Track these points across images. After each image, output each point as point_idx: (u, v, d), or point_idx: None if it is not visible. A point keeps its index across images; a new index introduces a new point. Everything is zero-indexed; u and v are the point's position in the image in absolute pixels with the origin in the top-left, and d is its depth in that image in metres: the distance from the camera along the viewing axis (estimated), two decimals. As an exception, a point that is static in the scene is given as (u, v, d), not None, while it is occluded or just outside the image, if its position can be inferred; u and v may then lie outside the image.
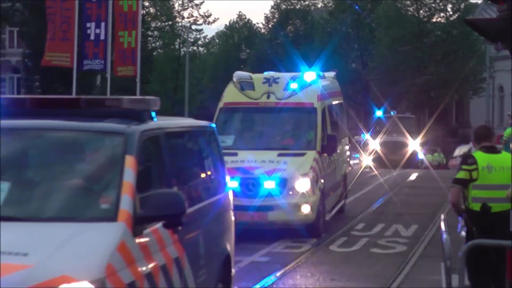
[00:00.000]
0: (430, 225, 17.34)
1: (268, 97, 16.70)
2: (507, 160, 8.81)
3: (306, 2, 78.01)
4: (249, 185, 15.24)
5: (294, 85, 16.74)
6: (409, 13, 60.89)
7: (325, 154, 16.48)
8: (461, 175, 9.06)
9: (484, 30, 8.64)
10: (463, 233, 9.24)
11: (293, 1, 77.54)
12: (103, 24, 24.37)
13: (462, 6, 59.72)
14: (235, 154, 15.52)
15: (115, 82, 28.41)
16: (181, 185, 7.13)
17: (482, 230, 8.72)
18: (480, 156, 9.04)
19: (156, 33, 68.98)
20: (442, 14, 61.13)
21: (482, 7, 56.22)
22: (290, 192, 15.27)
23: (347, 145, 20.65)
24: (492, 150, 9.15)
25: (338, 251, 14.68)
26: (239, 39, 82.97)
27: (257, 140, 16.56)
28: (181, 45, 70.12)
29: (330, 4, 72.51)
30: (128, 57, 23.38)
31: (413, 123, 50.92)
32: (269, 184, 15.19)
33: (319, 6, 77.52)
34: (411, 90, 56.31)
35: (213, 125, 12.02)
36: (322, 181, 16.03)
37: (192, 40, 72.01)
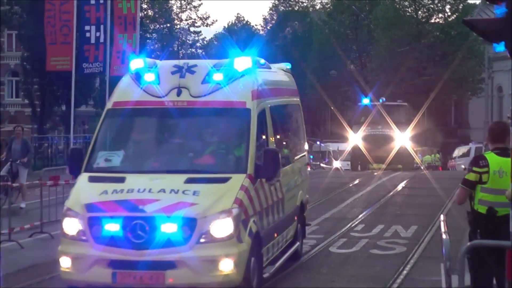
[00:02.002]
0: (430, 225, 17.34)
1: (178, 94, 11.31)
2: None
3: (305, 4, 78.17)
4: (137, 229, 9.93)
5: (218, 76, 11.35)
6: (408, 14, 60.90)
7: (262, 179, 11.05)
8: (471, 177, 8.85)
9: (482, 30, 8.62)
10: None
11: (291, 3, 77.66)
12: (102, 27, 24.40)
13: (461, 6, 59.72)
14: (121, 180, 10.63)
15: (114, 84, 28.46)
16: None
17: (486, 232, 8.68)
18: (493, 159, 8.81)
19: (154, 35, 69.05)
20: (440, 15, 61.15)
21: (481, 7, 56.25)
22: (202, 240, 9.99)
23: (305, 162, 15.32)
24: (505, 153, 8.76)
25: (337, 252, 14.68)
26: (238, 41, 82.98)
27: (156, 159, 11.45)
28: (179, 47, 70.16)
29: (329, 5, 72.57)
30: (126, 58, 23.46)
31: (405, 112, 42.27)
32: (169, 228, 9.93)
33: (318, 7, 77.67)
34: (409, 91, 56.32)
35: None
36: (256, 220, 10.69)
37: (190, 42, 72.08)
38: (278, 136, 12.65)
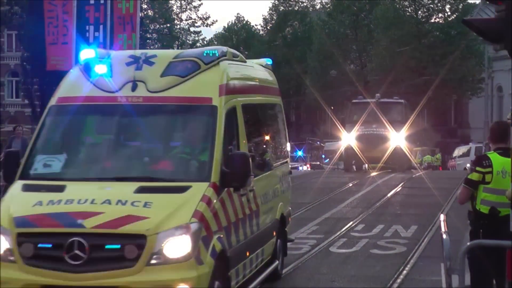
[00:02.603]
0: (430, 225, 17.34)
1: (133, 89, 9.82)
2: None
3: (305, 4, 78.16)
4: (75, 247, 8.32)
5: (180, 68, 9.95)
6: (407, 13, 60.93)
7: (230, 189, 9.51)
8: (474, 176, 8.82)
9: (482, 30, 8.62)
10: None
11: (291, 3, 77.65)
12: (101, 27, 24.41)
13: (460, 6, 59.76)
14: (60, 189, 9.05)
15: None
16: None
17: (488, 232, 8.67)
18: (496, 159, 8.79)
19: (154, 35, 69.04)
20: (440, 15, 61.19)
21: (480, 7, 56.27)
22: (153, 261, 8.39)
23: (288, 169, 13.67)
24: (507, 153, 8.72)
25: (338, 252, 14.68)
26: (238, 41, 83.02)
27: (104, 164, 9.80)
28: (179, 48, 70.08)
29: (329, 5, 72.58)
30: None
31: (401, 110, 38.89)
32: (113, 246, 8.38)
33: (318, 7, 77.67)
34: (409, 91, 56.33)
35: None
36: (221, 236, 9.09)
37: (190, 42, 72.07)
38: (252, 139, 11.08)
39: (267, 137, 12.36)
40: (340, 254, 14.50)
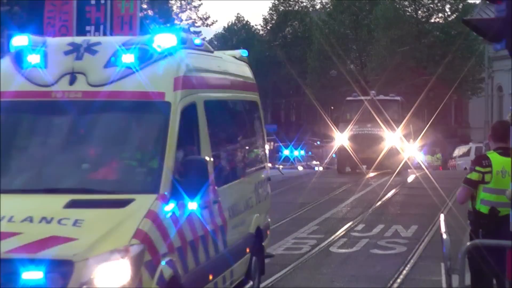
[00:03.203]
0: (430, 225, 17.34)
1: (71, 82, 8.26)
2: None
3: (304, 4, 78.20)
4: None
5: (128, 58, 8.29)
6: (408, 13, 60.93)
7: (186, 201, 7.93)
8: (474, 176, 8.78)
9: (482, 30, 8.61)
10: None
11: (291, 3, 77.69)
12: (102, 27, 24.41)
13: (460, 6, 59.76)
14: None
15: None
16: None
17: (488, 232, 8.67)
18: (496, 159, 8.75)
19: (154, 35, 69.06)
20: (440, 15, 61.19)
21: (480, 7, 56.27)
22: None
23: (266, 176, 12.00)
24: (506, 152, 8.64)
25: (338, 252, 14.68)
26: (238, 41, 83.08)
27: (31, 173, 8.18)
28: (179, 48, 70.03)
29: (329, 5, 72.61)
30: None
31: (398, 108, 36.05)
32: (33, 275, 6.78)
33: (318, 7, 77.69)
34: (409, 91, 56.35)
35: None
36: (172, 260, 7.58)
37: (190, 42, 72.01)
38: (218, 142, 9.59)
39: (238, 140, 10.88)
40: (340, 254, 14.50)
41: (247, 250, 10.29)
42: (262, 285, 11.80)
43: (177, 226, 7.75)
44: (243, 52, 11.91)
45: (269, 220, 11.91)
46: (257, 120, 11.90)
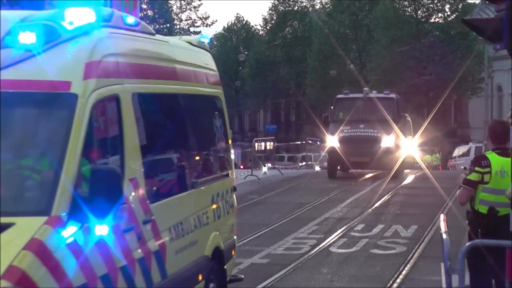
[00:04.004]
0: (430, 225, 17.34)
1: None
2: None
3: (304, 3, 78.20)
4: None
5: (27, 37, 6.58)
6: (407, 13, 60.94)
7: (95, 224, 6.22)
8: (473, 177, 8.75)
9: (482, 30, 8.61)
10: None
11: (291, 3, 77.70)
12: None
13: (460, 6, 59.77)
14: None
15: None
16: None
17: (487, 231, 8.67)
18: (495, 159, 8.73)
19: (154, 35, 69.07)
20: (440, 15, 61.20)
21: (480, 7, 56.27)
22: None
23: (230, 185, 10.29)
24: (506, 153, 8.64)
25: (338, 252, 14.68)
26: (237, 41, 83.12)
27: None
28: (179, 48, 70.06)
29: (328, 5, 72.63)
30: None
31: (393, 106, 32.06)
32: None
33: (317, 7, 77.69)
34: (409, 91, 56.39)
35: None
36: None
37: (190, 42, 72.04)
38: (155, 146, 7.81)
39: (187, 143, 9.01)
40: (340, 254, 14.49)
41: (200, 277, 8.59)
42: (262, 285, 11.82)
43: (80, 257, 5.95)
44: (203, 37, 10.16)
45: (235, 237, 10.30)
46: (218, 119, 10.10)
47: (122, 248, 6.64)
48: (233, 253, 10.13)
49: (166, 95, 8.45)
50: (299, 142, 59.97)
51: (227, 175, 10.17)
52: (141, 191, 7.11)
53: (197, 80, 9.51)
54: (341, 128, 30.79)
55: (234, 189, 10.40)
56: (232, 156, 10.82)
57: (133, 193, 6.94)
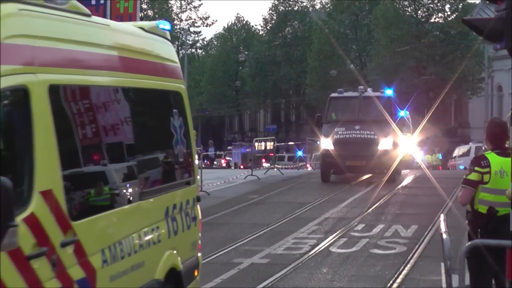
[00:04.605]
0: (430, 225, 17.34)
1: None
2: None
3: (304, 3, 78.27)
4: None
5: None
6: (407, 13, 60.97)
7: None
8: (473, 177, 8.75)
9: (482, 30, 8.61)
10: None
11: (291, 3, 77.76)
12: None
13: (460, 6, 59.80)
14: None
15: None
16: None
17: (487, 231, 8.68)
18: (494, 159, 8.74)
19: (154, 35, 69.15)
20: (440, 14, 61.22)
21: (480, 7, 56.31)
22: None
23: (193, 194, 8.92)
24: (505, 152, 8.65)
25: (338, 252, 14.67)
26: (238, 41, 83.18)
27: None
28: (179, 47, 70.19)
29: (329, 5, 72.70)
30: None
31: (390, 105, 29.88)
32: None
33: (317, 7, 77.77)
34: (409, 91, 56.42)
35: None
36: None
37: (190, 42, 72.13)
38: (82, 151, 6.55)
39: (132, 146, 7.50)
40: (340, 254, 14.49)
41: None
42: (262, 285, 11.82)
43: None
44: (162, 24, 8.73)
45: (199, 255, 9.03)
46: (177, 118, 8.65)
47: (26, 280, 5.36)
48: (196, 273, 8.77)
49: (102, 88, 7.04)
50: (299, 142, 59.98)
51: (189, 183, 8.81)
52: (58, 206, 5.82)
53: (148, 72, 8.04)
54: (335, 129, 28.65)
55: (197, 199, 8.99)
56: (197, 161, 9.51)
57: (45, 209, 5.65)
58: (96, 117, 6.82)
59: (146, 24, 8.50)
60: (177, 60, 8.98)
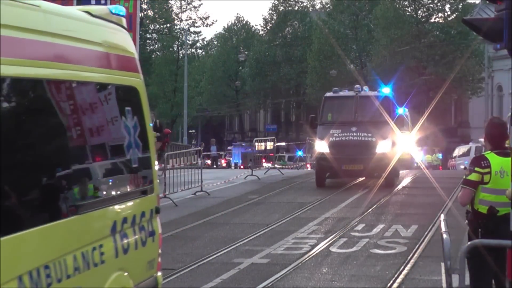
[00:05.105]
0: (430, 225, 17.33)
1: None
2: None
3: (304, 3, 78.27)
4: None
5: None
6: (407, 13, 61.01)
7: None
8: (474, 177, 8.78)
9: (482, 30, 8.61)
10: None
11: (291, 3, 77.76)
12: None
13: (460, 6, 59.83)
14: None
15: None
16: None
17: (487, 231, 8.68)
18: (494, 159, 8.76)
19: (154, 35, 69.13)
20: (440, 14, 61.26)
21: (480, 7, 56.30)
22: None
23: (151, 205, 7.85)
24: (505, 153, 8.68)
25: (338, 252, 14.67)
26: (238, 41, 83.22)
27: None
28: (179, 48, 70.18)
29: (329, 5, 72.71)
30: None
31: (388, 105, 27.85)
32: None
33: (318, 7, 77.78)
34: (409, 91, 56.43)
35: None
36: None
37: (190, 42, 72.13)
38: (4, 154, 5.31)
39: (68, 150, 6.35)
40: (340, 254, 14.49)
41: None
42: (262, 285, 11.83)
43: None
44: (115, 9, 7.58)
45: (159, 274, 7.99)
46: (131, 117, 7.51)
47: None
48: None
49: (26, 81, 5.81)
50: (299, 142, 59.98)
51: (145, 192, 7.66)
52: None
53: (91, 63, 6.86)
54: (331, 131, 26.71)
55: (156, 210, 7.85)
56: (156, 167, 8.36)
57: None
58: (24, 115, 5.78)
59: (94, 8, 7.31)
60: (133, 50, 7.82)
